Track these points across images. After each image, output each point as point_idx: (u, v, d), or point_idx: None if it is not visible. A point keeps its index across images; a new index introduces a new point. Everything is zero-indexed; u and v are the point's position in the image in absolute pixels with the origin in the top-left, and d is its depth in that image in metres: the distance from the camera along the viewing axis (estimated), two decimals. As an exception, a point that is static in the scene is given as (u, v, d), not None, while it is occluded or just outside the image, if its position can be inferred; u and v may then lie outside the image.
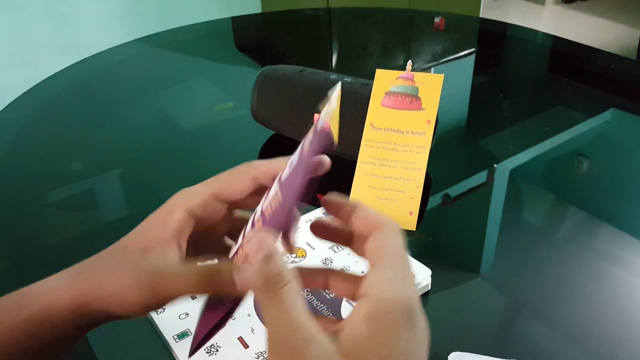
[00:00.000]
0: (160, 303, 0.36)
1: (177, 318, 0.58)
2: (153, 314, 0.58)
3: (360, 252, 0.35)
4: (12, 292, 0.38)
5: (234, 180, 0.38)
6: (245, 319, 0.57)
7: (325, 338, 0.28)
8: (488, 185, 0.85)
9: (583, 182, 0.89)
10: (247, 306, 0.58)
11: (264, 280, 0.29)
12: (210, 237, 0.41)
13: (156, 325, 0.58)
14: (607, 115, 1.04)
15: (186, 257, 0.38)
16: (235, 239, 0.40)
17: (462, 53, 1.37)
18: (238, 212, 0.41)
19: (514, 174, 0.87)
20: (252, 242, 0.31)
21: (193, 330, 0.56)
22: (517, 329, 0.61)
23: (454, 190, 0.83)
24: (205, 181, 0.39)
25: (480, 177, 0.86)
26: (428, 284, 0.63)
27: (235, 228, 0.41)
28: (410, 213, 0.71)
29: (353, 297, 0.34)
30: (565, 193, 0.86)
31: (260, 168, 0.38)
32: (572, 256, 0.71)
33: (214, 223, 0.39)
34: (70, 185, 0.88)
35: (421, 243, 0.72)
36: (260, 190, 0.38)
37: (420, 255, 0.66)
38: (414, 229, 0.71)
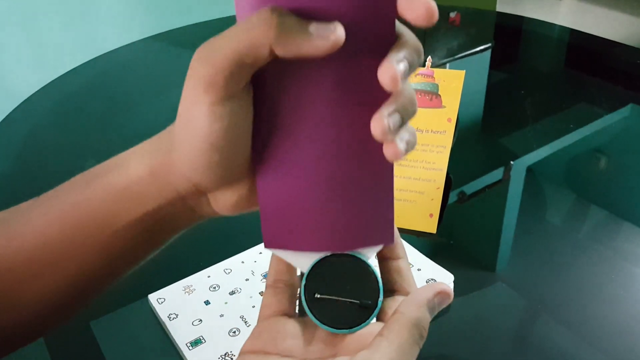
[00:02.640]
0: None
1: (191, 324, 0.56)
2: (166, 320, 0.57)
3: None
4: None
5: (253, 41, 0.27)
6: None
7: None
8: (504, 182, 0.83)
9: (601, 178, 0.87)
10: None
11: None
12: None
13: (169, 331, 0.56)
14: (625, 111, 1.01)
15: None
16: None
17: (479, 48, 1.35)
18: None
19: (530, 170, 0.85)
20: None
21: (207, 337, 0.55)
22: (538, 332, 0.59)
23: (470, 187, 0.81)
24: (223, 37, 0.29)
25: (497, 174, 0.84)
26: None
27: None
28: (431, 215, 0.69)
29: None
30: (583, 190, 0.84)
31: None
32: (591, 255, 0.69)
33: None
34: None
35: (442, 245, 0.70)
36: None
37: (440, 256, 0.64)
38: (434, 231, 0.69)
